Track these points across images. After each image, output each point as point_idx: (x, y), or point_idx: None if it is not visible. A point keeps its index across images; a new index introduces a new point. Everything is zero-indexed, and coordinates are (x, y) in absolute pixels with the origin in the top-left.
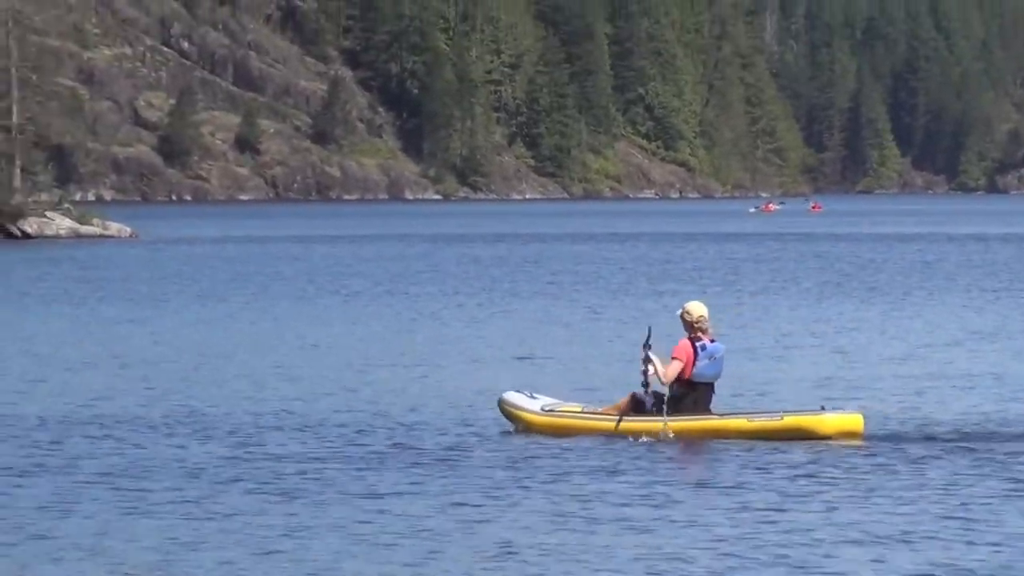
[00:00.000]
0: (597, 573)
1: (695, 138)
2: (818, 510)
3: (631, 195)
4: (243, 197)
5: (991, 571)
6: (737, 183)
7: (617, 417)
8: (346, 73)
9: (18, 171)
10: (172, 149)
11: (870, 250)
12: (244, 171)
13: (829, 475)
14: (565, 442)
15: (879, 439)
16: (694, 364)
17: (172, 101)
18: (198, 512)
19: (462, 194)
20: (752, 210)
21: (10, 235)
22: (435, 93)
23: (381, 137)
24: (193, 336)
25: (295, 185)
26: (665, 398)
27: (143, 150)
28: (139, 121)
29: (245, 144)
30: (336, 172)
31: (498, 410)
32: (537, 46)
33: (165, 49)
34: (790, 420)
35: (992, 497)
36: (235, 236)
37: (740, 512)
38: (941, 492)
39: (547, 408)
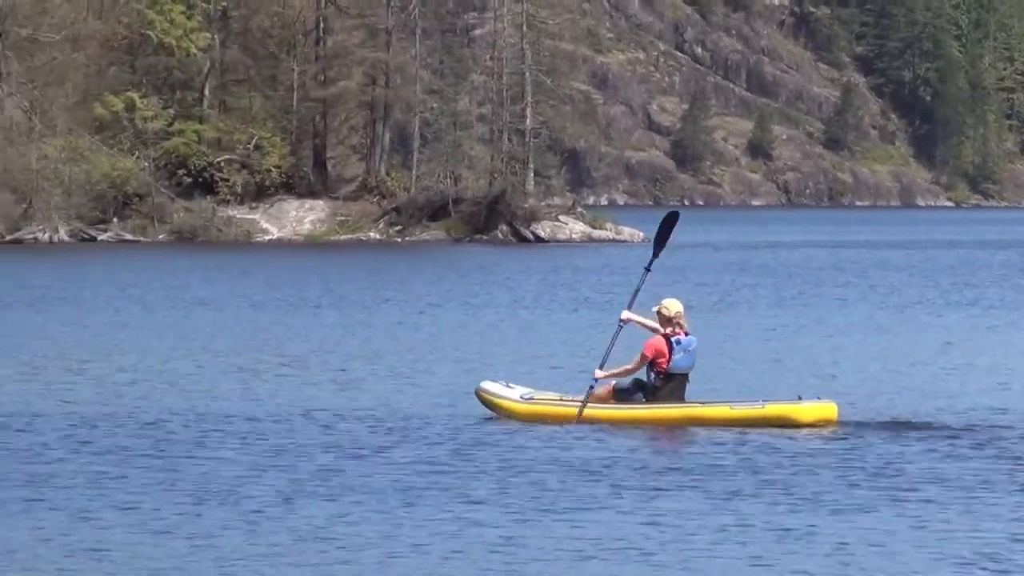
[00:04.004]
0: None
1: None
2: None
3: None
4: (755, 202)
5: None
6: None
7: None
8: (859, 79)
9: (531, 175)
10: (684, 154)
11: None
12: (756, 176)
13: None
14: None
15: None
16: (670, 357)
17: (685, 106)
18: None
19: (973, 201)
20: None
21: (523, 239)
22: (947, 100)
23: (893, 144)
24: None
25: (807, 191)
26: (645, 386)
27: (656, 155)
28: (652, 126)
29: (758, 149)
30: (848, 178)
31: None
32: None
33: (678, 54)
34: (770, 408)
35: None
36: (750, 241)
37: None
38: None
39: (526, 397)
